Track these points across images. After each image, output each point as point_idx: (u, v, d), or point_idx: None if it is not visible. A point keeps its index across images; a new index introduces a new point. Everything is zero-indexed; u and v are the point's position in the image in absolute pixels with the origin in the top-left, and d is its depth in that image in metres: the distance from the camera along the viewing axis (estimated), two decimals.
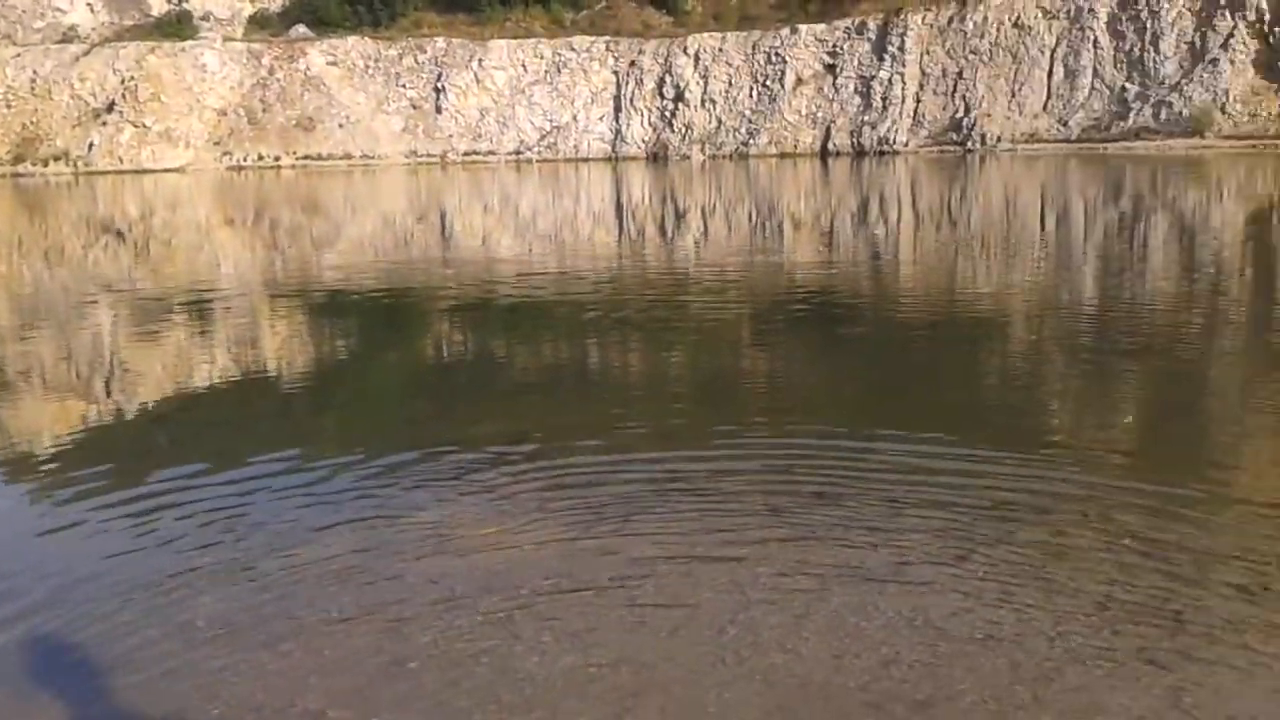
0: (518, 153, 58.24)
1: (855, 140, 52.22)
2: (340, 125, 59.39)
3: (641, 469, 6.62)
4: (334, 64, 60.59)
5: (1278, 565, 4.93)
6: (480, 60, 58.88)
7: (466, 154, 58.58)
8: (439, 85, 59.11)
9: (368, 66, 60.40)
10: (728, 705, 3.97)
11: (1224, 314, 11.86)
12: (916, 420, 7.51)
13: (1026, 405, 8.23)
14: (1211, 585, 4.75)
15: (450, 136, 59.11)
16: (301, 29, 63.87)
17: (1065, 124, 48.16)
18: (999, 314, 12.20)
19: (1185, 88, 45.42)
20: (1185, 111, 44.96)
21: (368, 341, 12.46)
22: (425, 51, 59.92)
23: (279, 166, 58.65)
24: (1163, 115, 45.70)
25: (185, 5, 65.75)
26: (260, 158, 59.50)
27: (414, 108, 59.60)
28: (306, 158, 59.08)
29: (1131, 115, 46.64)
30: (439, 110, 59.04)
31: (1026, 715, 3.81)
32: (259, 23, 66.94)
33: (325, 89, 60.10)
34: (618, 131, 57.29)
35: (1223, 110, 44.47)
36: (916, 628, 4.46)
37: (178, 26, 64.32)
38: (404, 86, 59.69)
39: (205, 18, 65.45)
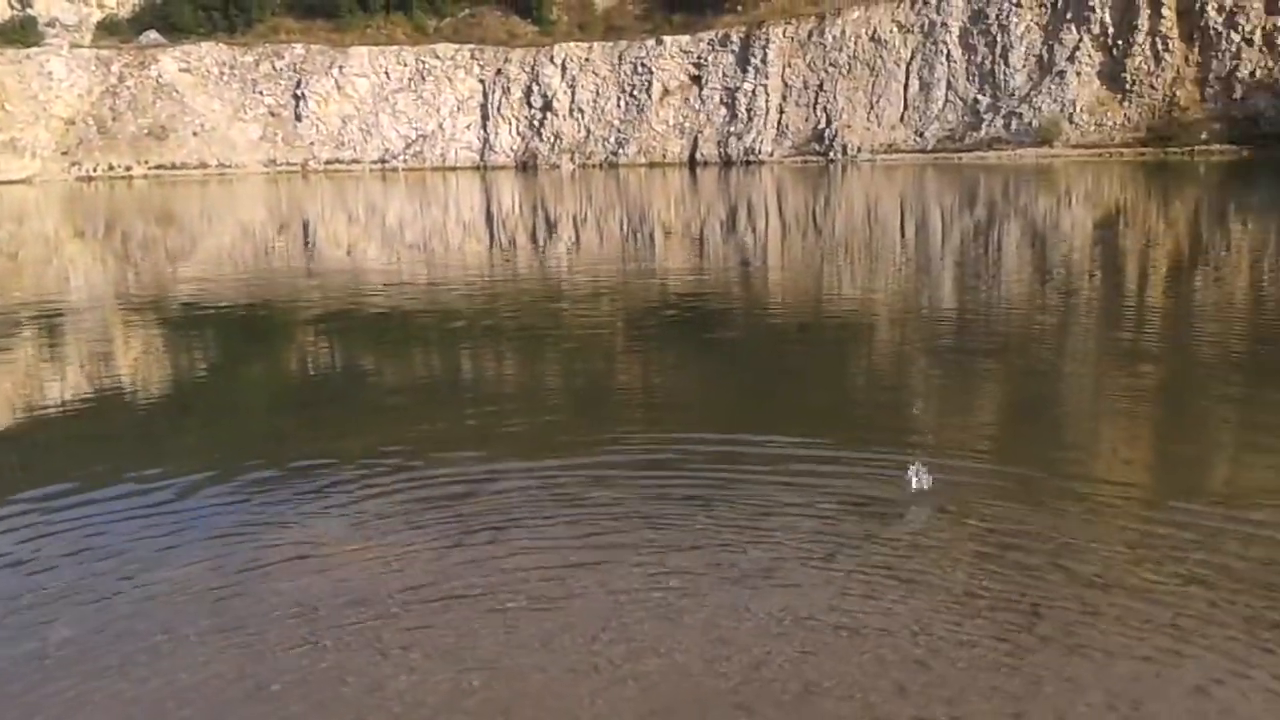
0: (383, 161, 57.32)
1: (722, 150, 52.95)
2: (195, 134, 57.52)
3: (512, 478, 6.55)
4: (187, 71, 58.66)
5: (1130, 554, 5.14)
6: (341, 67, 57.79)
7: (329, 162, 57.38)
8: (298, 92, 57.80)
9: (223, 73, 58.67)
10: (601, 713, 3.94)
11: (1076, 313, 12.38)
12: (785, 422, 7.63)
13: (890, 404, 8.44)
14: (1068, 575, 4.92)
15: (311, 144, 57.84)
16: (153, 35, 61.65)
17: (921, 135, 49.73)
18: (864, 318, 12.50)
19: (1034, 99, 47.36)
20: (1035, 122, 46.88)
21: (228, 356, 12.07)
22: (283, 58, 58.51)
23: (130, 177, 56.46)
24: (1013, 126, 47.57)
25: (30, 11, 62.79)
26: (111, 168, 57.18)
27: (272, 115, 58.12)
28: (160, 167, 57.03)
29: (984, 126, 48.41)
30: (299, 118, 57.72)
31: (892, 708, 3.88)
32: (108, 29, 64.33)
33: (179, 96, 58.14)
34: (486, 140, 56.92)
35: (1070, 120, 46.52)
36: (786, 627, 4.51)
37: (22, 33, 61.38)
38: (261, 93, 58.18)
39: (51, 24, 62.61)
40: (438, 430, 7.86)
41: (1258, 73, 42.64)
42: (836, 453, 6.80)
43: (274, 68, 58.56)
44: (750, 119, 52.92)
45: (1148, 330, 11.49)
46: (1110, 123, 45.88)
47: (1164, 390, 8.79)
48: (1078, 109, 46.46)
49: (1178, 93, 44.48)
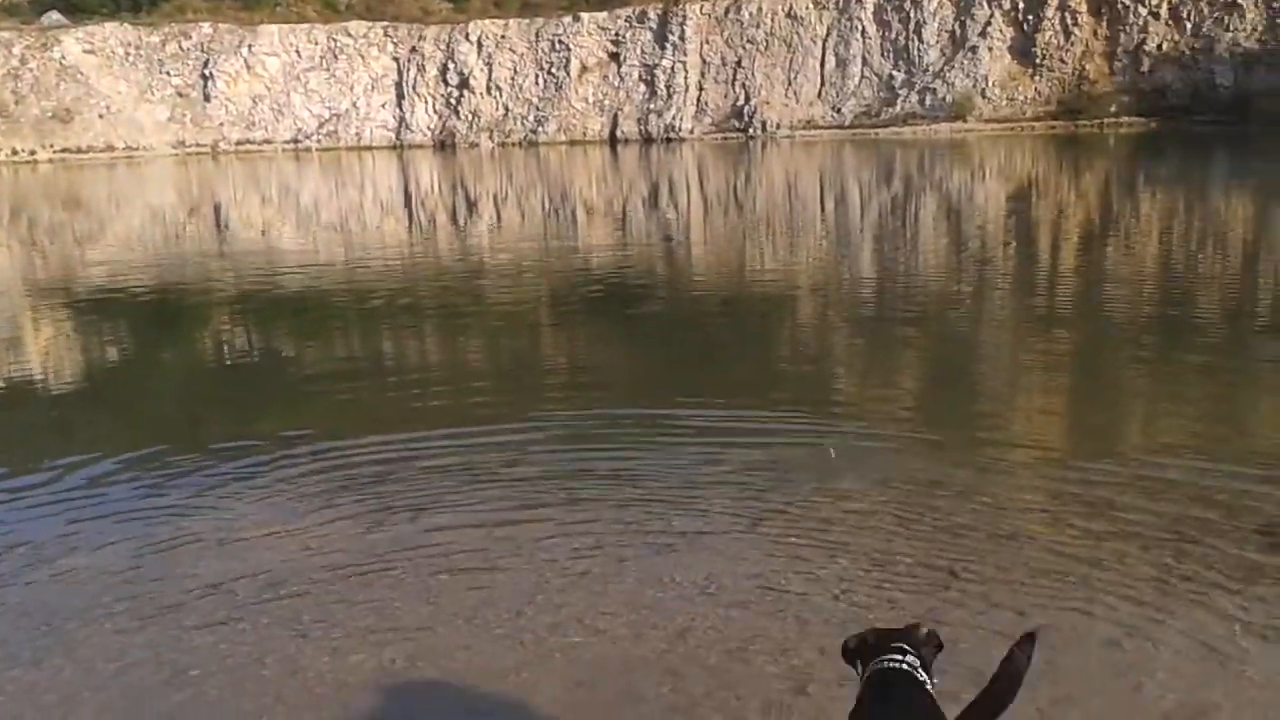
0: (295, 141, 56.20)
1: (643, 127, 52.85)
2: (101, 116, 55.81)
3: (433, 455, 6.47)
4: (91, 52, 56.84)
5: (1041, 512, 5.25)
6: (250, 46, 56.45)
7: (240, 143, 56.11)
8: (207, 72, 56.36)
9: (128, 54, 56.95)
10: (527, 686, 3.91)
11: (992, 282, 12.60)
12: (708, 393, 7.64)
13: (812, 374, 8.50)
14: (983, 535, 5.00)
15: (221, 125, 56.48)
16: (55, 16, 59.56)
17: (839, 111, 50.14)
18: (786, 290, 12.57)
19: (947, 74, 48.02)
20: (948, 97, 47.54)
21: (140, 341, 11.75)
22: (190, 38, 56.98)
23: (35, 161, 54.60)
24: (928, 101, 48.19)
25: None
26: (15, 152, 55.23)
27: (180, 96, 56.62)
28: (65, 151, 55.26)
29: (899, 102, 48.96)
30: (207, 98, 56.30)
31: (816, 670, 3.91)
32: (8, 10, 61.95)
33: (83, 78, 56.33)
34: (402, 119, 56.08)
35: (982, 95, 47.27)
36: (711, 595, 4.52)
37: None
38: (169, 74, 56.62)
39: None
40: (356, 409, 7.73)
41: (1164, 46, 43.72)
42: (759, 423, 6.83)
43: (181, 47, 56.99)
44: (670, 96, 52.88)
45: (1061, 297, 11.73)
46: (1022, 97, 46.72)
47: (1076, 355, 8.98)
48: (990, 84, 47.22)
49: (1087, 66, 45.43)
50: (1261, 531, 4.92)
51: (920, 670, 2.73)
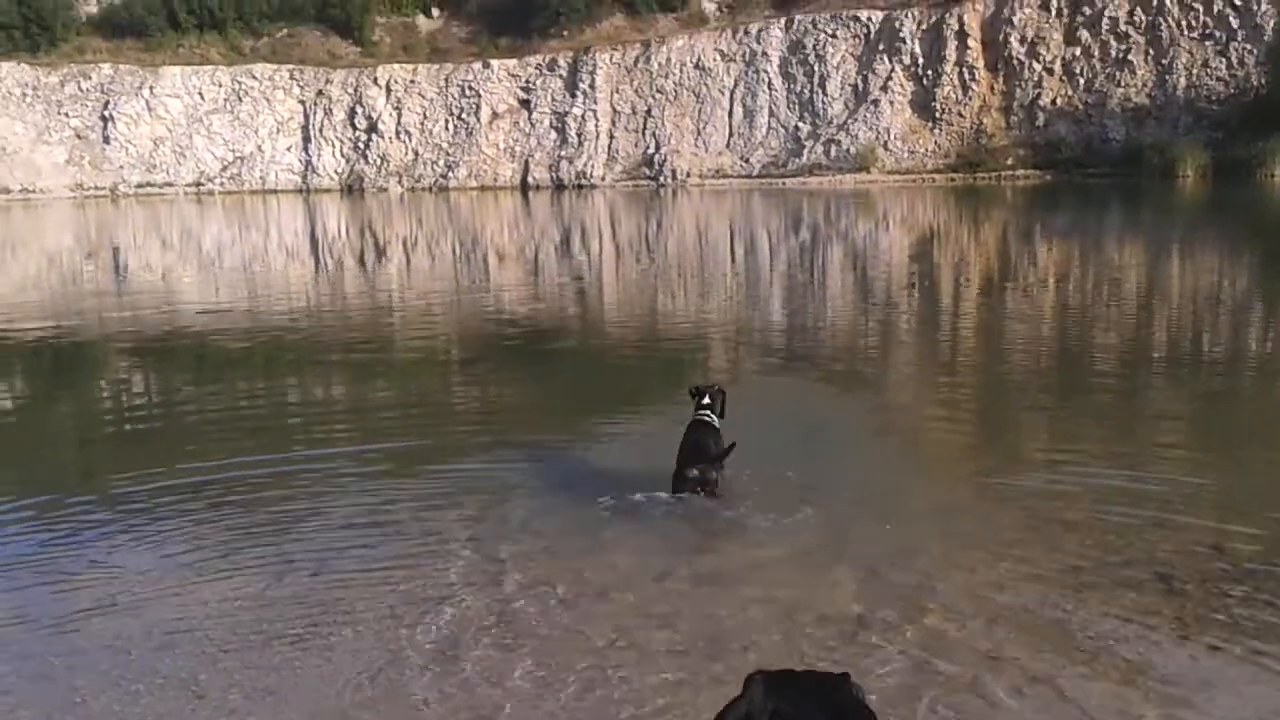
0: (198, 184, 55.08)
1: (554, 174, 52.98)
2: None
3: (337, 509, 6.33)
4: None
5: (946, 569, 5.32)
6: (152, 88, 55.30)
7: (140, 186, 54.77)
8: (106, 114, 55.02)
9: (25, 94, 55.37)
10: None
11: (896, 329, 12.84)
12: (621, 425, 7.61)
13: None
14: (890, 581, 5.06)
15: (121, 168, 55.10)
16: None
17: (747, 160, 50.92)
18: (695, 337, 12.63)
19: (851, 127, 49.10)
20: (852, 149, 48.59)
21: (31, 387, 11.36)
22: (90, 78, 55.63)
23: None
24: (833, 153, 49.19)
25: None
26: None
27: (79, 138, 55.18)
28: None
29: (805, 153, 49.90)
30: (107, 140, 54.93)
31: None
32: None
33: None
34: (308, 163, 55.36)
35: (885, 147, 48.40)
36: (634, 642, 4.47)
37: None
38: (67, 115, 55.15)
39: None
40: (256, 460, 7.52)
41: (1058, 100, 45.28)
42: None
43: (80, 88, 55.58)
44: (581, 143, 53.19)
45: (963, 345, 12.01)
46: (922, 149, 47.97)
47: (976, 402, 9.18)
48: (891, 136, 48.40)
49: (984, 120, 46.86)
50: (1158, 573, 5.06)
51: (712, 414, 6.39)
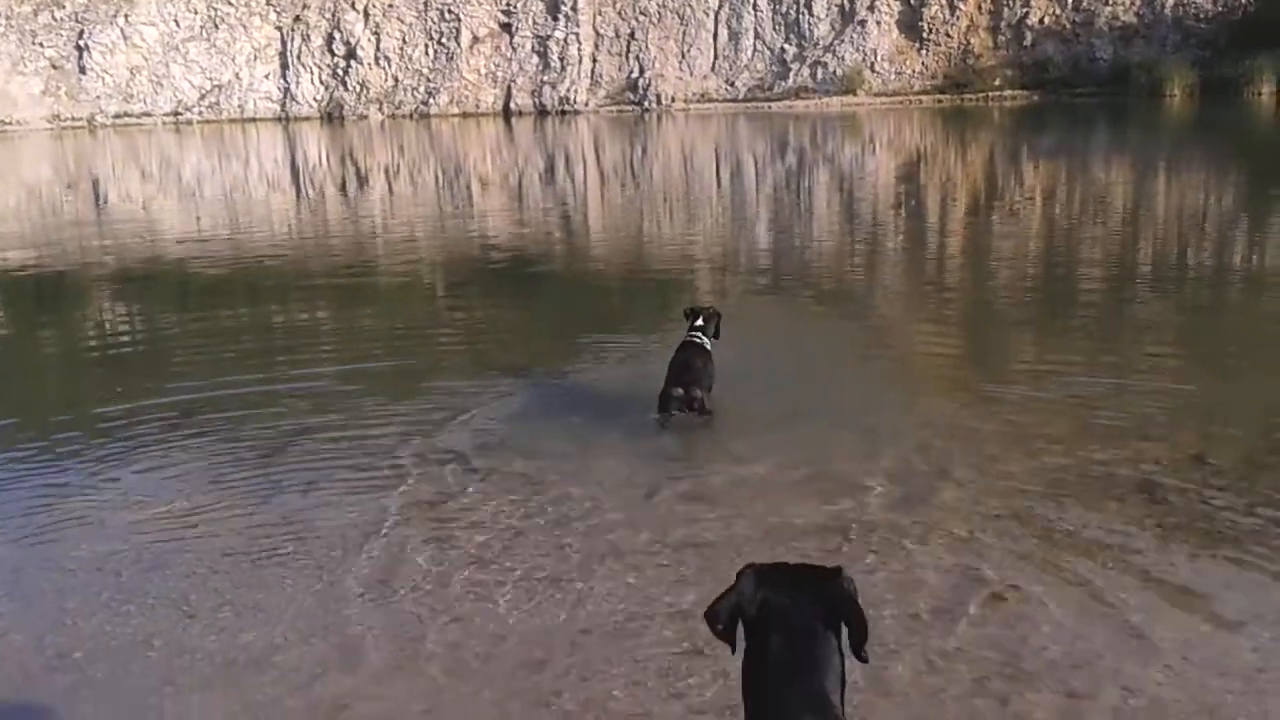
0: (176, 114, 54.24)
1: (537, 100, 52.28)
2: None
3: (324, 432, 6.33)
4: None
5: (932, 481, 5.35)
6: (127, 15, 54.16)
7: (117, 116, 53.92)
8: (81, 43, 53.94)
9: None
10: (435, 655, 3.86)
11: (885, 251, 12.80)
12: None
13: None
14: (875, 502, 5.10)
15: (98, 98, 54.17)
16: None
17: (732, 84, 50.32)
18: (683, 263, 12.58)
19: (837, 49, 48.49)
20: (839, 71, 48.04)
21: (17, 318, 11.28)
22: (64, 7, 54.41)
23: None
24: (819, 75, 48.64)
25: None
26: None
27: (54, 68, 54.13)
28: None
29: (791, 75, 49.32)
30: (83, 70, 53.92)
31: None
32: None
33: None
34: (286, 90, 54.46)
35: (872, 69, 47.87)
36: (611, 566, 4.51)
37: None
38: (41, 45, 54.04)
39: None
40: (241, 383, 7.50)
41: (1046, 20, 44.76)
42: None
43: (54, 18, 54.39)
44: (564, 68, 52.44)
45: (949, 263, 12.00)
46: (909, 71, 47.46)
47: (962, 318, 9.18)
48: (878, 58, 47.84)
49: (972, 41, 46.33)
50: (1140, 488, 5.10)
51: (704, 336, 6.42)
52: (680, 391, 6.04)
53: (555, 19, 52.77)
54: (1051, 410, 6.20)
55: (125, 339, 9.82)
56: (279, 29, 54.43)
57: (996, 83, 45.06)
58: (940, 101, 45.14)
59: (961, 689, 3.57)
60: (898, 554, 4.49)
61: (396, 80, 53.86)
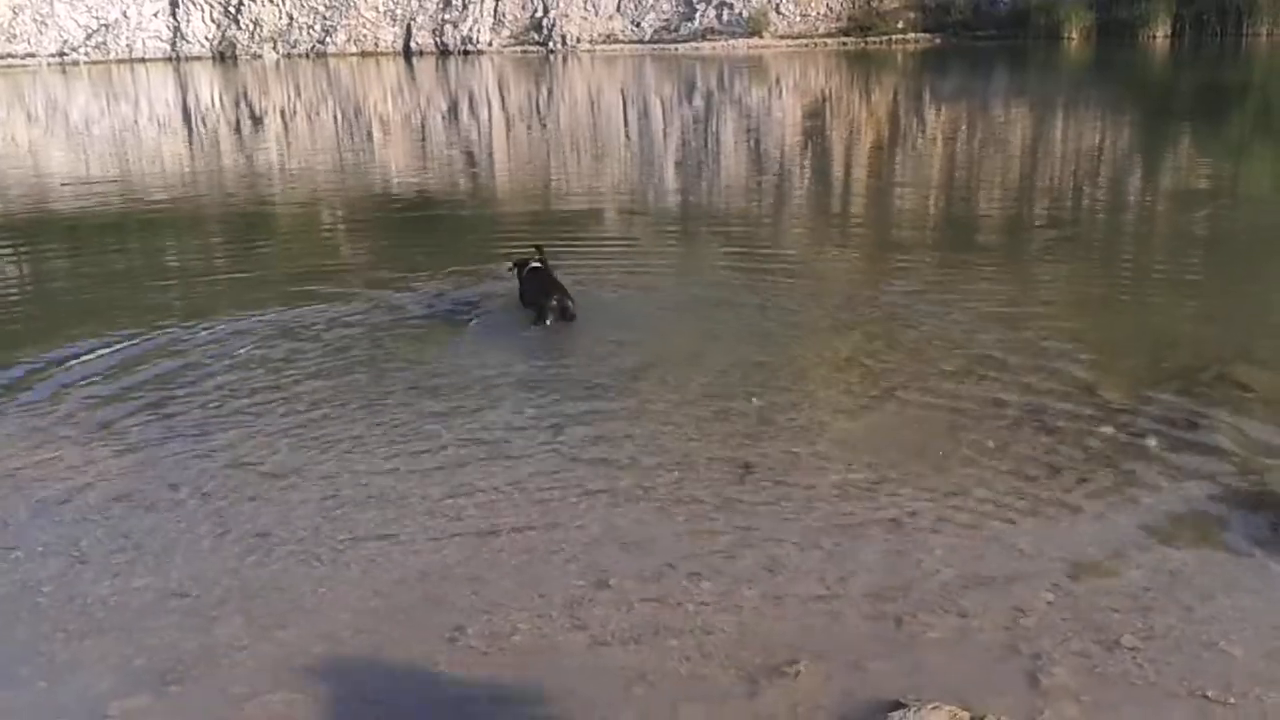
0: (62, 54, 51.94)
1: (438, 39, 51.12)
2: None
3: (217, 374, 6.19)
4: None
5: (832, 413, 5.44)
6: None
7: (1, 57, 51.52)
8: None
9: None
10: (325, 601, 3.82)
11: (790, 193, 12.88)
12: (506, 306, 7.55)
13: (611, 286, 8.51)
14: (774, 430, 5.17)
15: None
16: None
17: (638, 25, 49.85)
18: (589, 206, 12.49)
19: None
20: (744, 13, 47.89)
21: None
22: None
23: None
24: (725, 17, 48.42)
25: None
26: None
27: None
28: None
29: (697, 17, 49.02)
30: None
31: (620, 566, 3.97)
32: None
33: None
34: (176, 29, 52.45)
35: (777, 10, 47.83)
36: (515, 500, 4.51)
37: None
38: None
39: None
40: (133, 327, 7.26)
41: None
42: (556, 339, 6.82)
43: None
44: (466, 7, 51.31)
45: (851, 204, 12.12)
46: (814, 13, 47.50)
47: (859, 258, 9.30)
48: (783, 1, 47.85)
49: None
50: (1031, 416, 5.25)
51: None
52: (555, 301, 6.74)
53: None
54: (947, 342, 6.33)
55: (7, 282, 9.43)
56: None
57: (899, 25, 45.39)
58: (845, 44, 45.36)
59: (859, 612, 3.66)
60: (795, 481, 4.57)
61: (291, 18, 52.15)
